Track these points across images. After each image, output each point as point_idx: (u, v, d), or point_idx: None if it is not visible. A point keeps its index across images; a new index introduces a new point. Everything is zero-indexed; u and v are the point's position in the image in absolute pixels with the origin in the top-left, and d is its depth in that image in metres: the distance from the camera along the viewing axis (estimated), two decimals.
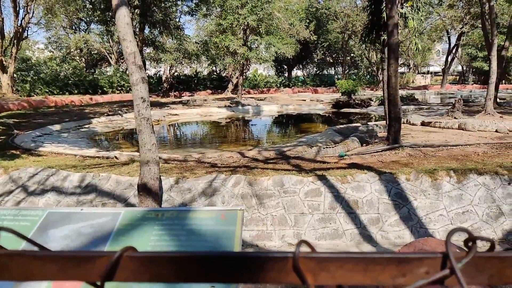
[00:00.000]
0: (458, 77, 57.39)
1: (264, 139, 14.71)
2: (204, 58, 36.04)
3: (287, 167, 7.07)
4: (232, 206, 1.89)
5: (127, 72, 4.76)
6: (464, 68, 51.91)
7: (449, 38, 39.54)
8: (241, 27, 25.20)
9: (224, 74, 40.55)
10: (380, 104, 20.79)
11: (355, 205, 5.77)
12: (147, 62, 34.54)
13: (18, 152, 9.06)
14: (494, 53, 13.87)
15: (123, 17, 4.26)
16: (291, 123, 20.19)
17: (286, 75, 47.47)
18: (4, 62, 25.05)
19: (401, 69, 50.15)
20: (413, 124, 13.36)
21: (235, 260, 0.36)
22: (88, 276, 0.36)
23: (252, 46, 27.06)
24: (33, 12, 27.61)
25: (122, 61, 35.82)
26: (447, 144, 9.00)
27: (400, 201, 5.82)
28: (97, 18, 22.81)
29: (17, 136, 11.56)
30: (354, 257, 0.35)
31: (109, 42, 35.77)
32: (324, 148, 8.95)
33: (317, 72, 51.13)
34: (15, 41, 25.58)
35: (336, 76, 47.19)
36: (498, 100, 18.94)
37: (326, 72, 52.23)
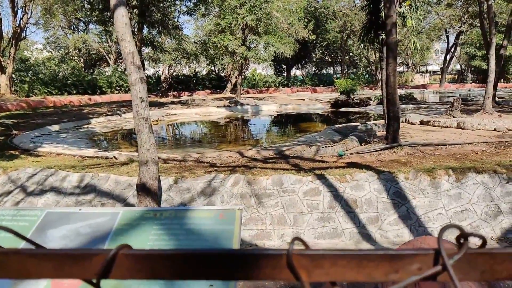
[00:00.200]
0: (456, 76, 57.45)
1: (263, 138, 14.72)
2: (203, 58, 36.04)
3: (286, 166, 7.08)
4: (230, 206, 1.90)
5: (126, 72, 4.76)
6: (463, 67, 51.98)
7: (447, 37, 39.64)
8: (240, 27, 25.19)
9: (223, 74, 40.53)
10: (379, 103, 20.80)
11: (354, 204, 5.78)
12: (146, 62, 34.52)
13: (17, 153, 9.05)
14: (492, 52, 13.89)
15: (122, 17, 4.26)
16: (290, 123, 20.20)
17: (285, 74, 47.46)
18: (2, 63, 25.01)
19: (399, 68, 50.20)
20: (411, 123, 13.37)
21: (230, 257, 0.37)
22: (84, 274, 0.36)
23: (250, 46, 27.06)
24: (31, 13, 27.62)
25: (120, 61, 35.76)
26: (445, 143, 9.02)
27: (399, 200, 5.83)
28: (95, 18, 22.77)
29: (15, 137, 11.55)
30: (348, 254, 0.35)
31: (108, 42, 35.72)
32: (323, 147, 8.95)
33: (316, 72, 51.15)
34: (13, 41, 25.54)
35: (335, 76, 47.20)
36: (496, 99, 18.96)
37: (325, 72, 52.26)
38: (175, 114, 20.89)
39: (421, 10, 11.34)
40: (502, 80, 39.01)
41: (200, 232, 1.74)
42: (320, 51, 44.24)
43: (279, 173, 6.35)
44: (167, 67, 35.17)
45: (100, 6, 20.13)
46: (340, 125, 13.62)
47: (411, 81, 49.02)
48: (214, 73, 42.46)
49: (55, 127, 14.39)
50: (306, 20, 35.92)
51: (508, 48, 25.13)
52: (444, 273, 0.34)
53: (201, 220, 1.81)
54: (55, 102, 23.54)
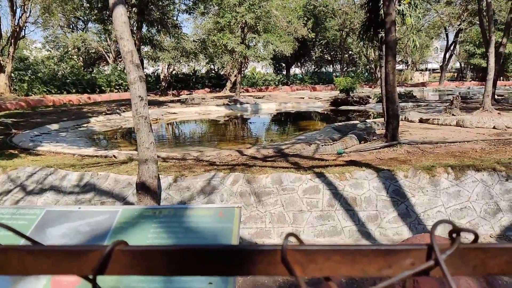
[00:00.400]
0: (456, 74, 57.44)
1: (262, 137, 14.73)
2: (202, 56, 35.99)
3: (286, 164, 7.08)
4: (229, 204, 1.90)
5: (125, 71, 4.75)
6: (462, 65, 51.99)
7: (447, 35, 39.63)
8: (239, 25, 25.17)
9: (222, 73, 40.49)
10: (378, 101, 20.81)
11: (354, 202, 5.79)
12: (145, 61, 34.48)
13: (16, 152, 9.05)
14: (491, 49, 13.89)
15: (120, 16, 4.25)
16: (289, 121, 20.20)
17: (284, 73, 47.43)
18: (1, 62, 24.98)
19: (399, 66, 50.20)
20: (411, 121, 13.38)
21: (225, 253, 0.37)
22: (80, 270, 0.37)
23: (250, 44, 27.03)
24: (30, 11, 27.54)
25: (120, 60, 35.72)
26: (445, 141, 9.02)
27: (398, 198, 5.84)
28: (94, 17, 22.76)
29: (15, 136, 11.55)
30: (341, 249, 0.36)
31: (107, 41, 35.67)
32: (322, 145, 8.96)
33: (315, 70, 51.12)
34: (12, 40, 25.49)
35: (334, 74, 47.21)
36: (496, 96, 18.97)
37: (324, 70, 52.23)
38: (174, 113, 20.88)
39: (420, 8, 11.34)
40: (501, 78, 38.98)
41: (199, 230, 1.75)
42: (320, 49, 44.22)
43: (279, 171, 6.35)
44: (167, 66, 35.14)
45: (99, 5, 20.11)
46: (339, 123, 13.62)
47: (411, 79, 49.04)
48: (213, 71, 42.43)
49: (55, 126, 14.39)
50: (306, 18, 35.88)
51: (507, 46, 25.11)
52: (436, 268, 0.35)
53: (200, 218, 1.81)
54: (54, 101, 23.52)
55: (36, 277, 1.47)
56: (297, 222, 5.60)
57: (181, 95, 33.67)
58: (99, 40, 36.91)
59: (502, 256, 0.35)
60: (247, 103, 24.25)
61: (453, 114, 13.62)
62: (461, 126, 11.61)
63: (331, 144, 9.06)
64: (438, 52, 59.75)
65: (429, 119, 13.00)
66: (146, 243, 1.68)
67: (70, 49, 37.85)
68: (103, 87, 31.57)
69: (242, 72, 32.00)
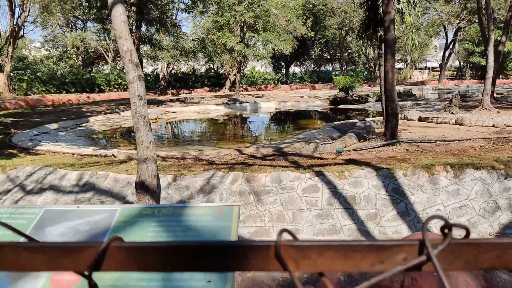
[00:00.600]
0: (455, 72, 57.44)
1: (262, 136, 14.74)
2: (201, 55, 35.97)
3: (285, 163, 7.09)
4: (228, 203, 1.91)
5: (124, 70, 4.75)
6: (462, 63, 51.98)
7: (446, 33, 39.63)
8: (238, 24, 25.15)
9: (222, 72, 40.48)
10: (377, 100, 20.81)
11: (353, 201, 5.80)
12: (144, 60, 34.42)
13: (15, 151, 9.05)
14: (491, 48, 13.89)
15: (119, 15, 4.25)
16: (289, 120, 20.20)
17: (283, 71, 47.41)
18: (0, 61, 24.95)
19: (398, 65, 50.23)
20: (410, 120, 13.39)
21: (219, 249, 0.37)
22: (76, 266, 0.37)
23: (249, 43, 27.01)
24: (29, 11, 27.47)
25: (119, 59, 35.66)
26: (444, 139, 9.04)
27: (397, 196, 5.85)
28: (93, 16, 22.75)
29: (14, 135, 11.54)
30: (335, 245, 0.36)
31: (106, 40, 35.62)
32: (321, 144, 8.96)
33: (315, 69, 51.09)
34: (11, 40, 25.46)
35: (333, 73, 47.21)
36: (495, 95, 18.98)
37: (323, 69, 52.20)
38: (173, 112, 20.88)
39: (419, 6, 11.34)
40: (500, 76, 38.99)
41: (197, 229, 1.75)
42: (319, 48, 44.18)
43: (278, 170, 6.36)
44: (166, 65, 35.11)
45: (98, 4, 20.09)
46: (338, 122, 13.62)
47: (410, 77, 49.03)
48: (212, 70, 42.40)
49: (54, 126, 14.38)
50: (305, 17, 35.87)
51: (506, 44, 25.14)
52: (428, 263, 0.35)
53: (199, 216, 1.81)
54: (54, 101, 23.51)
55: (35, 276, 1.47)
56: (297, 220, 5.61)
57: (181, 94, 33.66)
58: (98, 39, 36.87)
59: (493, 251, 0.35)
60: (246, 102, 24.25)
61: (452, 113, 13.64)
62: (460, 125, 11.62)
63: (330, 143, 9.07)
64: (437, 51, 59.73)
65: (428, 117, 13.01)
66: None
67: (69, 48, 37.80)
68: (102, 87, 31.54)
69: (241, 71, 32.01)
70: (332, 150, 8.51)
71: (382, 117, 11.63)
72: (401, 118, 12.52)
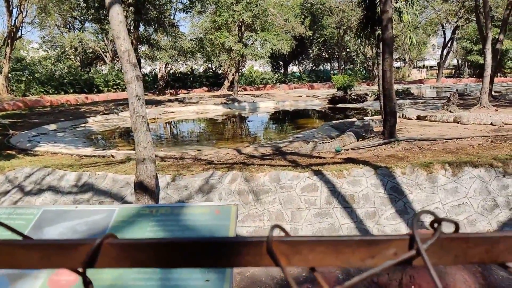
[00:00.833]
0: (453, 70, 57.53)
1: (260, 135, 14.74)
2: (200, 55, 35.95)
3: (284, 163, 7.09)
4: (227, 202, 1.91)
5: (122, 71, 4.75)
6: (460, 62, 52.04)
7: (444, 32, 39.69)
8: (236, 24, 25.13)
9: (220, 71, 40.45)
10: (376, 99, 20.83)
11: (351, 200, 5.81)
12: (142, 60, 34.41)
13: (14, 152, 9.04)
14: (488, 46, 13.92)
15: (117, 15, 4.25)
16: (287, 119, 20.21)
17: (282, 71, 47.39)
18: None
19: (396, 64, 50.26)
20: (408, 118, 13.41)
21: (212, 245, 0.38)
22: (70, 263, 0.37)
23: (247, 43, 26.99)
24: (26, 11, 27.41)
25: (117, 59, 35.62)
26: (442, 137, 9.05)
27: (396, 195, 5.86)
28: (91, 16, 22.70)
29: (12, 136, 11.53)
30: (326, 240, 0.37)
31: (104, 41, 35.60)
32: (320, 143, 8.97)
33: (313, 68, 51.08)
34: (9, 40, 25.40)
35: (332, 72, 47.15)
36: (493, 93, 19.02)
37: (322, 68, 52.18)
38: (172, 112, 20.87)
39: (417, 5, 11.35)
40: (498, 74, 39.04)
41: (195, 228, 1.76)
42: (317, 47, 44.15)
43: (277, 169, 6.37)
44: (164, 65, 35.09)
45: (96, 4, 20.06)
46: (337, 121, 13.64)
47: (408, 76, 49.09)
48: (211, 70, 42.37)
49: (52, 126, 14.36)
50: (303, 17, 35.87)
51: (504, 43, 25.17)
52: (418, 257, 0.35)
53: (197, 216, 1.82)
54: (52, 101, 23.47)
55: (33, 276, 1.48)
56: (295, 220, 5.62)
57: (179, 94, 33.64)
58: (96, 39, 36.82)
59: (482, 245, 0.36)
60: (245, 101, 24.24)
61: (450, 111, 13.66)
62: (458, 123, 11.64)
63: (329, 142, 9.08)
64: (435, 49, 59.79)
65: (427, 116, 13.03)
66: None
67: (67, 49, 37.72)
68: (100, 87, 31.49)
69: (240, 70, 31.97)
70: (330, 149, 8.52)
71: (380, 116, 11.64)
72: (399, 117, 12.55)
